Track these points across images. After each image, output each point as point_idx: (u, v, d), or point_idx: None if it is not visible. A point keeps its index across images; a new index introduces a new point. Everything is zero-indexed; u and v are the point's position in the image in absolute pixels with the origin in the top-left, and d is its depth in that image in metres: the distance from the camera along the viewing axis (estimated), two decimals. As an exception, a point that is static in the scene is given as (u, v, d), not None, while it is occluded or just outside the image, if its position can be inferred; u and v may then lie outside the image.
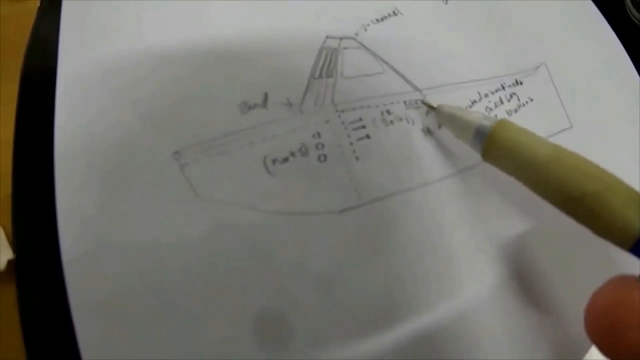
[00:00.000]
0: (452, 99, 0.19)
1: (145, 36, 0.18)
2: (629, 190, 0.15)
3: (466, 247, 0.18)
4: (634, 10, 0.26)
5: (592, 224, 0.15)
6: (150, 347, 0.14)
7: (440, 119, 0.18)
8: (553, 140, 0.16)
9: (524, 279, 0.18)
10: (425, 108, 0.19)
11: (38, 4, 0.19)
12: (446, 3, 0.22)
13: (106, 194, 0.15)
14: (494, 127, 0.16)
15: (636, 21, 0.26)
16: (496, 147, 0.16)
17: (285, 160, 0.17)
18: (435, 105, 0.18)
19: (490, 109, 0.20)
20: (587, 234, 0.15)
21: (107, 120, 0.16)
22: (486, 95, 0.20)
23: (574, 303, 0.14)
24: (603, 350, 0.14)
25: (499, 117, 0.20)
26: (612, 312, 0.13)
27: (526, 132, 0.16)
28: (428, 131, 0.19)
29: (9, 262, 0.19)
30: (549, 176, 0.15)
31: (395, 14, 0.21)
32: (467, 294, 0.17)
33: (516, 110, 0.21)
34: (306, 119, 0.17)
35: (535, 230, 0.18)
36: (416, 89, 0.19)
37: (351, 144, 0.17)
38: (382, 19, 0.21)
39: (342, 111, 0.18)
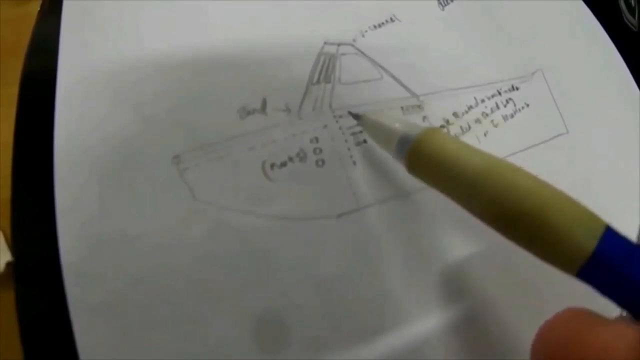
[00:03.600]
0: (448, 105, 0.20)
1: (145, 41, 0.18)
2: (575, 206, 0.13)
3: (464, 250, 0.18)
4: (629, 16, 0.26)
5: (532, 246, 0.13)
6: (148, 348, 0.14)
7: (365, 130, 0.17)
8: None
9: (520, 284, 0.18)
10: (422, 113, 0.19)
11: (39, 7, 0.19)
12: (443, 10, 0.22)
13: (105, 197, 0.15)
14: (419, 136, 0.15)
15: (631, 26, 0.26)
16: (420, 158, 0.14)
17: (284, 165, 0.17)
18: (360, 113, 0.17)
19: (487, 114, 0.20)
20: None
21: (107, 123, 0.16)
22: (482, 101, 0.20)
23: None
24: None
25: (496, 122, 0.20)
26: (564, 354, 0.11)
27: (456, 142, 0.15)
28: (425, 136, 0.19)
29: (8, 264, 0.19)
30: (480, 192, 0.13)
31: (392, 20, 0.21)
32: (466, 295, 0.17)
33: (512, 116, 0.21)
34: (304, 124, 0.18)
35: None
36: (413, 94, 0.19)
37: (349, 149, 0.18)
38: (380, 25, 0.21)
39: (340, 116, 0.18)
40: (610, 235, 0.12)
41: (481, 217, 0.14)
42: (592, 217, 0.12)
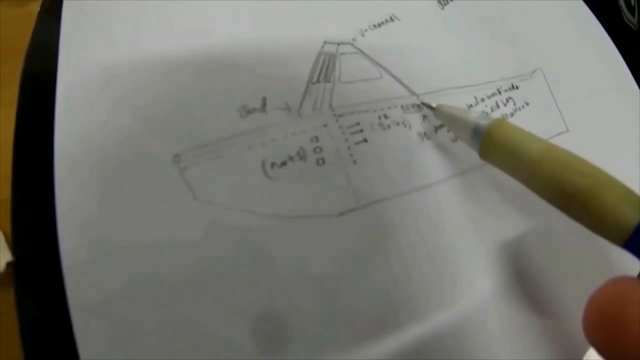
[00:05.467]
0: (448, 104, 0.20)
1: (145, 41, 0.18)
2: (621, 186, 0.15)
3: (464, 249, 0.18)
4: (629, 15, 0.26)
5: (585, 220, 0.15)
6: (149, 350, 0.14)
7: (439, 119, 0.19)
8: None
9: (524, 281, 0.18)
10: (421, 112, 0.19)
11: (39, 8, 0.19)
12: (443, 9, 0.23)
13: (106, 197, 0.15)
14: (490, 126, 0.17)
15: (631, 25, 0.26)
16: (492, 145, 0.17)
17: (284, 164, 0.17)
18: (434, 105, 0.19)
19: (487, 113, 0.20)
20: (587, 235, 0.15)
21: (107, 124, 0.16)
22: (482, 100, 0.20)
23: (574, 304, 0.15)
24: (600, 349, 0.14)
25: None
26: (610, 309, 0.13)
27: (521, 131, 0.17)
28: (425, 135, 0.19)
29: (8, 264, 0.19)
30: (542, 173, 0.16)
31: (392, 19, 0.21)
32: (466, 296, 0.17)
33: (512, 115, 0.21)
34: (304, 124, 0.18)
35: (534, 232, 0.19)
36: (413, 93, 0.19)
37: (349, 147, 0.18)
38: (380, 25, 0.21)
39: (340, 115, 0.18)
40: None
41: (542, 194, 0.16)
42: (636, 195, 0.15)
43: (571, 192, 0.15)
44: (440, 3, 0.23)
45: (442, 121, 0.19)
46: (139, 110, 0.17)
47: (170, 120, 0.17)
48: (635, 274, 0.14)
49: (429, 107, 0.19)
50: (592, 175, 0.15)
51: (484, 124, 0.17)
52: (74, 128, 0.16)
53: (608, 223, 0.14)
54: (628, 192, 0.15)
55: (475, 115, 0.18)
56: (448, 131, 0.19)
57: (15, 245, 0.16)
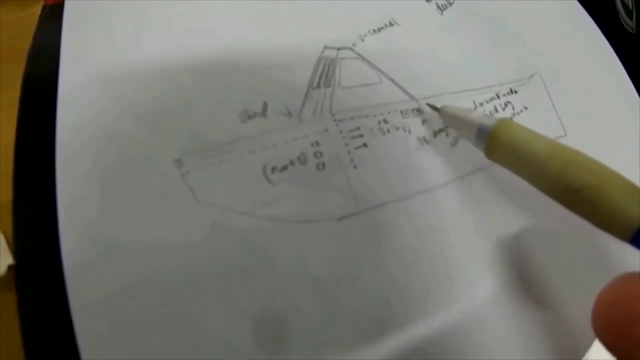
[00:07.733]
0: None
1: (146, 45, 0.18)
2: (627, 182, 0.15)
3: (464, 253, 0.18)
4: (626, 18, 0.26)
5: (591, 216, 0.15)
6: (150, 350, 0.14)
7: (444, 120, 0.19)
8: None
9: (523, 283, 0.18)
10: (421, 117, 0.19)
11: (39, 11, 0.19)
12: (442, 14, 0.23)
13: (107, 200, 0.15)
14: (495, 126, 0.17)
15: (629, 29, 0.26)
16: (497, 145, 0.17)
17: (285, 168, 0.17)
18: (439, 106, 0.19)
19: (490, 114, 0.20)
20: (586, 236, 0.16)
21: (109, 127, 0.16)
22: (481, 104, 0.21)
23: (575, 305, 0.15)
24: (608, 345, 0.14)
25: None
26: (618, 305, 0.14)
27: (526, 130, 0.17)
28: (424, 140, 0.19)
29: (9, 267, 0.19)
30: (548, 171, 0.16)
31: (391, 24, 0.21)
32: (465, 299, 0.17)
33: (511, 119, 0.21)
34: (305, 128, 0.18)
35: (533, 234, 0.19)
36: (412, 98, 0.20)
37: (349, 152, 0.18)
38: (379, 30, 0.21)
39: (340, 120, 0.18)
40: None
41: (548, 192, 0.16)
42: None
43: (577, 188, 0.15)
44: (440, 8, 0.23)
45: (447, 122, 0.19)
46: (142, 114, 0.17)
47: (172, 122, 0.17)
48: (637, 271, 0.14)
49: (434, 108, 0.19)
50: (597, 172, 0.15)
51: (488, 124, 0.17)
52: (76, 130, 0.16)
53: (614, 219, 0.15)
54: (634, 188, 0.15)
55: (479, 115, 0.18)
56: (447, 135, 0.19)
57: (17, 248, 0.16)
